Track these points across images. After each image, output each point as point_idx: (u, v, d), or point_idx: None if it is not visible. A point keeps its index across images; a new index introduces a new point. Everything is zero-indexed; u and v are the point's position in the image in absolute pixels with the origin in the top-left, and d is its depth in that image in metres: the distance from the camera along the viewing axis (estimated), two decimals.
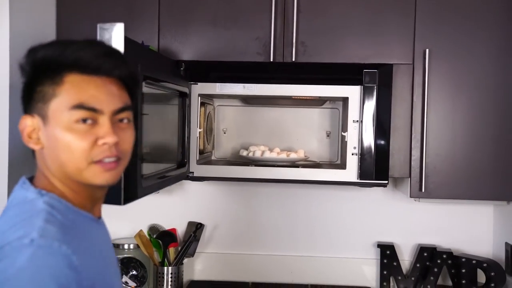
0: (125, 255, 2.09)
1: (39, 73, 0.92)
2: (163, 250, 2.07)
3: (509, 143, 1.77)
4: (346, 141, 1.81)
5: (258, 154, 1.91)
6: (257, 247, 2.22)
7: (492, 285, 1.93)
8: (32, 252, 0.81)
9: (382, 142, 1.78)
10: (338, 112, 2.04)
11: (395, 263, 2.10)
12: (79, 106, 0.90)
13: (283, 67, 1.89)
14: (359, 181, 1.80)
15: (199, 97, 1.85)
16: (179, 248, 2.11)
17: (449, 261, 2.04)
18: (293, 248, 2.21)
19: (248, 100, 2.06)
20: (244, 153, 1.96)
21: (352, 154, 1.80)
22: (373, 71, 1.77)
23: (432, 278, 2.03)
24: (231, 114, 2.11)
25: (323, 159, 2.07)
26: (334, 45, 1.81)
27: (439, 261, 2.04)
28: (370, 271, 2.17)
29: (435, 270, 2.04)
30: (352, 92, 1.80)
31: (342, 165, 1.87)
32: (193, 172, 1.85)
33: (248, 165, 1.87)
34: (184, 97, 1.79)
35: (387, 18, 1.80)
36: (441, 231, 2.15)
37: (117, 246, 2.08)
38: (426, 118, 1.77)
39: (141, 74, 1.29)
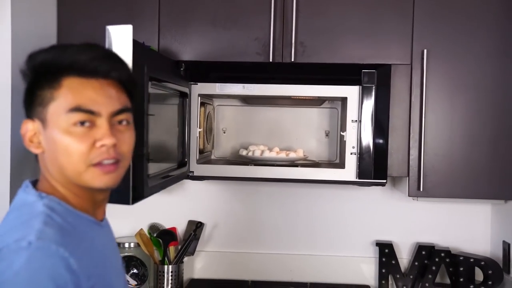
0: (126, 254, 2.10)
1: (38, 78, 0.94)
2: (164, 249, 2.08)
3: (506, 142, 1.78)
4: (345, 141, 1.82)
5: (257, 154, 1.93)
6: (256, 245, 2.23)
7: (490, 283, 1.94)
8: (29, 255, 0.82)
9: (381, 141, 1.79)
10: (337, 112, 2.05)
11: (393, 262, 2.11)
12: (77, 109, 0.91)
13: (282, 67, 1.90)
14: (358, 180, 1.82)
15: (199, 97, 1.86)
16: (179, 247, 2.12)
17: (447, 260, 2.05)
18: (293, 247, 2.22)
19: (248, 100, 2.08)
20: (244, 152, 1.98)
21: (351, 154, 1.82)
22: (371, 71, 1.78)
23: (430, 276, 2.05)
24: (230, 113, 2.12)
25: (322, 159, 2.08)
26: (333, 45, 1.82)
27: (437, 260, 2.05)
28: (368, 269, 2.18)
29: (433, 268, 2.05)
30: (351, 92, 1.81)
31: (341, 165, 1.88)
32: (193, 172, 1.86)
33: (247, 165, 1.89)
34: (185, 97, 1.81)
35: (386, 19, 1.81)
36: (439, 229, 2.16)
37: (117, 245, 2.08)
38: (424, 118, 1.78)
39: (147, 75, 1.31)
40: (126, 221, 2.17)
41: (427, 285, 2.04)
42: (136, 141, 1.03)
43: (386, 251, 2.12)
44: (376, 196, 2.19)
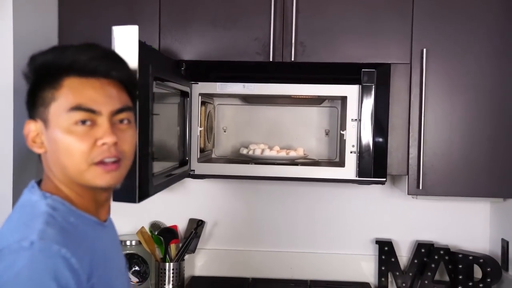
0: (128, 251, 2.12)
1: (40, 79, 0.95)
2: (165, 247, 2.10)
3: (505, 141, 1.79)
4: (345, 140, 1.83)
5: (258, 152, 1.94)
6: (257, 243, 2.24)
7: (488, 280, 1.95)
8: (31, 255, 0.82)
9: (380, 140, 1.80)
10: (337, 111, 2.06)
11: (393, 259, 2.13)
12: (77, 108, 0.92)
13: (282, 66, 1.91)
14: (357, 178, 1.83)
15: (200, 96, 1.87)
16: (180, 245, 2.13)
17: (446, 257, 2.07)
18: (293, 245, 2.24)
19: (248, 99, 2.09)
20: (244, 151, 1.99)
21: (351, 152, 1.83)
22: (371, 70, 1.79)
23: (429, 273, 2.06)
24: (231, 112, 2.13)
25: (322, 157, 2.09)
26: (333, 45, 1.82)
27: (436, 257, 2.07)
28: (368, 267, 2.20)
29: (433, 265, 2.06)
30: (351, 91, 1.82)
31: (341, 163, 1.89)
32: (194, 170, 1.87)
33: (248, 163, 1.90)
34: (185, 96, 1.82)
35: (385, 18, 1.81)
36: (438, 227, 2.17)
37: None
38: (424, 117, 1.79)
39: (152, 75, 1.32)
40: (128, 219, 2.18)
41: (426, 282, 2.05)
42: (142, 140, 1.04)
43: (385, 248, 2.13)
44: (375, 195, 2.20)
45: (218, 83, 1.86)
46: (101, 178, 0.94)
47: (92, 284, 0.89)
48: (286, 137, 2.10)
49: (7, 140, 1.56)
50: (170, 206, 2.24)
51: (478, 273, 2.00)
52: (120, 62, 1.00)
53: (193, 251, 2.17)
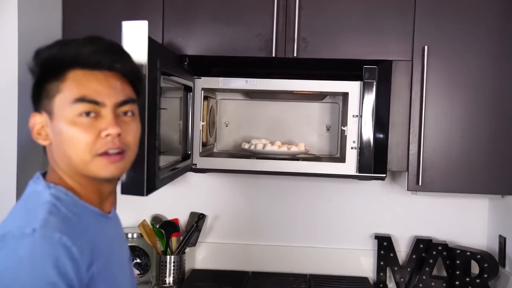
0: (129, 244, 2.13)
1: (45, 72, 0.96)
2: (166, 240, 2.12)
3: (504, 139, 1.80)
4: (346, 135, 1.85)
5: (259, 147, 1.95)
6: (257, 237, 2.26)
7: (485, 276, 1.97)
8: (33, 242, 0.84)
9: (381, 136, 1.82)
10: (338, 107, 2.08)
11: (391, 254, 2.14)
12: (81, 99, 0.93)
13: (285, 62, 1.92)
14: (358, 174, 1.84)
15: (202, 91, 1.89)
16: (181, 238, 2.15)
17: (444, 253, 2.08)
18: (293, 239, 2.25)
19: (250, 94, 2.10)
20: (246, 146, 2.00)
21: (352, 148, 1.84)
22: (372, 67, 1.81)
23: (427, 269, 2.08)
24: (233, 107, 2.14)
25: (323, 153, 2.11)
26: (335, 41, 1.83)
27: (434, 253, 2.08)
28: (367, 261, 2.22)
29: (431, 261, 2.08)
30: (352, 87, 1.83)
31: (342, 159, 1.91)
32: (196, 164, 1.89)
33: (249, 158, 1.91)
34: (189, 91, 1.83)
35: (387, 15, 1.82)
36: (437, 223, 2.19)
37: None
38: (424, 113, 1.80)
39: (159, 69, 1.33)
40: (130, 212, 2.19)
41: (424, 277, 2.07)
42: (150, 134, 1.05)
43: (384, 244, 2.15)
44: (375, 190, 2.22)
45: (220, 78, 1.88)
46: (106, 169, 0.95)
47: (92, 274, 0.90)
48: (288, 132, 2.11)
49: (12, 134, 1.58)
50: (172, 200, 2.25)
51: (475, 268, 2.02)
52: (123, 55, 1.02)
53: (194, 244, 2.19)
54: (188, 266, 2.22)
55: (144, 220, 2.16)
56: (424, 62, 1.79)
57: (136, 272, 2.13)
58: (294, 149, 1.96)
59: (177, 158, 1.72)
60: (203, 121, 1.90)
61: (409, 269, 2.13)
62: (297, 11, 1.82)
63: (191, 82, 1.84)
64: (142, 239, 2.15)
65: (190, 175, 2.22)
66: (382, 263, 2.15)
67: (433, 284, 2.07)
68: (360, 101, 1.82)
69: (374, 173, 1.83)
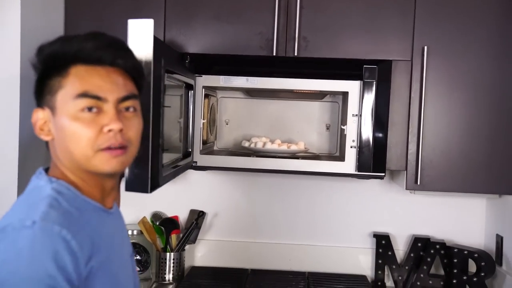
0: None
1: (47, 69, 0.97)
2: (166, 237, 2.13)
3: (503, 139, 1.82)
4: (345, 134, 1.86)
5: (259, 145, 1.96)
6: (256, 235, 2.27)
7: (482, 274, 1.99)
8: (32, 234, 0.84)
9: (380, 135, 1.83)
10: (338, 106, 2.09)
11: (390, 253, 2.16)
12: (83, 95, 0.94)
13: (285, 61, 1.93)
14: (357, 173, 1.85)
15: (203, 89, 1.90)
16: (181, 235, 2.16)
17: (442, 251, 2.10)
18: (292, 237, 2.27)
19: (250, 93, 2.11)
20: (246, 144, 2.01)
21: (351, 147, 1.86)
22: (372, 67, 1.82)
23: (425, 267, 2.09)
24: (233, 106, 2.15)
25: (323, 151, 2.12)
26: (335, 41, 1.84)
27: (432, 251, 2.10)
28: (365, 260, 2.23)
29: (428, 259, 2.10)
30: (352, 86, 1.85)
31: (341, 157, 1.92)
32: (196, 162, 1.90)
33: (249, 156, 1.92)
34: (190, 89, 1.84)
35: (387, 16, 1.83)
36: (435, 222, 2.21)
37: None
38: (423, 113, 1.81)
39: (164, 67, 1.34)
40: (130, 209, 2.18)
41: (422, 276, 2.09)
42: (154, 132, 1.06)
43: (383, 242, 2.17)
44: (374, 189, 2.24)
45: (221, 76, 1.89)
46: (108, 163, 0.95)
47: (91, 268, 0.90)
48: (288, 130, 2.12)
49: (13, 130, 1.59)
50: (172, 197, 2.26)
51: (472, 267, 2.04)
52: (125, 50, 1.02)
53: (194, 241, 2.20)
54: (187, 263, 2.23)
55: (144, 217, 2.17)
56: (424, 62, 1.80)
57: (137, 268, 2.13)
58: (294, 147, 1.97)
59: (178, 155, 1.73)
60: (203, 119, 1.91)
61: (407, 268, 2.14)
62: (298, 10, 1.83)
63: (192, 80, 1.85)
64: (142, 236, 2.16)
65: (190, 172, 2.23)
66: (380, 261, 2.17)
67: (430, 282, 2.09)
68: (360, 101, 1.84)
69: (373, 172, 1.84)
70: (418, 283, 2.08)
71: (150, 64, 1.20)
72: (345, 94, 1.91)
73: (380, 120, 1.83)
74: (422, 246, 2.14)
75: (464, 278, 2.02)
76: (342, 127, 1.91)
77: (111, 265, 0.99)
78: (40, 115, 0.98)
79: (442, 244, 2.11)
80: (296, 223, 2.27)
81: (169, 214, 2.25)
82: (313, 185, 2.25)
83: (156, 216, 2.24)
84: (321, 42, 1.84)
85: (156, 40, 1.23)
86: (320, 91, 1.94)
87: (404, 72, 1.83)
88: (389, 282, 2.17)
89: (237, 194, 2.28)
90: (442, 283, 2.09)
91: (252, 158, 1.91)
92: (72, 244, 0.86)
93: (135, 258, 2.15)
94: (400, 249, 2.22)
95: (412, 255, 2.14)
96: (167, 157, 1.51)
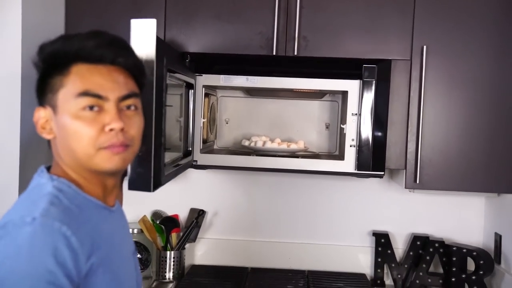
0: None
1: (49, 67, 0.97)
2: (166, 235, 2.14)
3: (501, 138, 1.83)
4: (345, 133, 1.87)
5: (259, 144, 1.97)
6: (256, 233, 2.28)
7: (481, 272, 1.99)
8: (32, 230, 0.85)
9: (380, 134, 1.84)
10: (337, 105, 2.10)
11: (389, 251, 2.17)
12: (84, 94, 0.94)
13: (285, 60, 1.94)
14: (356, 171, 1.86)
15: (203, 88, 1.90)
16: (181, 234, 2.17)
17: (441, 250, 2.11)
18: (292, 236, 2.28)
19: (250, 92, 2.12)
20: (246, 143, 2.02)
21: (350, 146, 1.86)
22: (372, 66, 1.83)
23: (424, 265, 2.10)
24: (233, 105, 2.16)
25: (322, 150, 2.13)
26: (335, 40, 1.85)
27: (431, 250, 2.11)
28: (365, 258, 2.24)
29: (427, 258, 2.11)
30: (352, 86, 1.86)
31: (341, 156, 1.93)
32: (196, 161, 1.91)
33: (249, 155, 1.93)
34: (190, 88, 1.85)
35: (387, 15, 1.84)
36: (434, 221, 2.22)
37: None
38: (422, 112, 1.82)
39: (166, 67, 1.34)
40: (130, 208, 2.15)
41: (421, 274, 2.10)
42: (156, 131, 1.06)
43: (382, 241, 2.18)
44: (373, 188, 2.25)
45: (222, 76, 1.90)
46: (109, 161, 0.96)
47: (91, 265, 0.90)
48: (287, 130, 2.13)
49: (14, 128, 1.59)
50: (172, 196, 2.27)
51: (471, 265, 2.05)
52: (126, 49, 1.02)
53: (194, 240, 2.21)
54: (187, 262, 2.24)
55: (145, 215, 2.18)
56: (423, 62, 1.81)
57: (139, 266, 2.14)
58: (293, 146, 1.98)
59: (179, 154, 1.74)
60: (204, 118, 1.92)
61: (406, 266, 2.15)
62: (298, 10, 1.83)
63: (192, 79, 1.85)
64: (142, 235, 2.17)
65: (190, 171, 2.24)
66: (379, 259, 2.18)
67: (429, 280, 2.10)
68: (359, 100, 1.85)
69: (372, 171, 1.85)
70: (417, 281, 2.10)
71: (153, 63, 1.21)
72: (344, 93, 1.91)
73: (380, 119, 1.83)
74: (421, 245, 2.15)
75: (463, 276, 2.03)
76: (342, 126, 1.92)
77: (112, 263, 0.99)
78: (41, 114, 0.99)
79: (441, 243, 2.12)
80: (295, 221, 2.28)
81: (169, 212, 2.26)
82: (312, 184, 2.26)
83: (156, 214, 2.25)
84: (321, 42, 1.85)
85: (158, 39, 1.24)
86: (320, 90, 1.95)
87: (404, 71, 1.84)
88: (388, 280, 2.18)
89: (237, 193, 2.29)
90: (441, 281, 2.10)
91: (252, 157, 1.92)
92: (72, 241, 0.87)
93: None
94: (399, 247, 2.23)
95: (411, 253, 2.16)
96: (168, 156, 1.52)
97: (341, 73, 1.88)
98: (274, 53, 1.84)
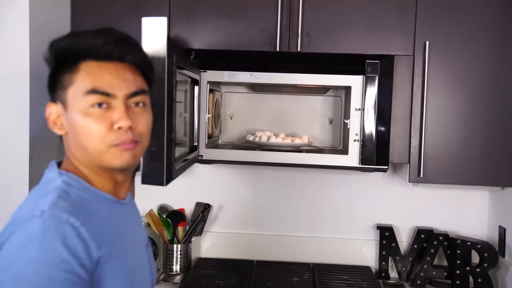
0: None
1: (59, 63, 0.99)
2: (173, 229, 2.17)
3: (503, 132, 1.83)
4: (349, 128, 1.88)
5: (264, 139, 1.99)
6: (261, 227, 2.31)
7: (485, 265, 2.00)
8: (42, 222, 0.86)
9: (383, 129, 1.85)
10: (341, 100, 2.11)
11: (393, 244, 2.19)
12: (93, 91, 0.95)
13: (289, 57, 1.95)
14: (360, 166, 1.88)
15: (208, 84, 1.92)
16: (188, 227, 2.20)
17: (445, 243, 2.12)
18: (297, 229, 2.30)
19: (254, 87, 2.13)
20: (251, 137, 2.04)
21: (354, 141, 1.88)
22: (375, 61, 1.83)
23: (428, 258, 2.12)
24: (237, 100, 2.18)
25: (326, 145, 2.14)
26: (338, 36, 1.86)
27: (435, 243, 2.12)
28: (369, 251, 2.26)
29: (432, 251, 2.12)
30: (355, 81, 1.86)
31: (344, 151, 1.94)
32: (202, 156, 1.93)
33: (254, 150, 1.95)
34: (195, 84, 1.87)
35: (389, 11, 1.84)
36: (438, 214, 2.23)
37: None
38: (425, 107, 1.83)
39: (175, 64, 1.36)
40: (136, 202, 2.22)
41: (425, 266, 2.11)
42: (168, 127, 1.07)
43: (386, 234, 2.19)
44: (377, 182, 2.26)
45: (226, 72, 1.91)
46: (119, 157, 0.97)
47: (102, 256, 0.92)
48: (291, 124, 2.14)
49: (24, 124, 1.63)
50: (178, 190, 2.29)
51: (475, 258, 2.06)
52: (134, 46, 1.03)
53: (200, 233, 2.24)
54: (194, 255, 2.27)
55: (151, 209, 2.21)
56: (426, 57, 1.81)
57: (153, 258, 2.17)
58: (298, 141, 1.99)
59: (186, 149, 1.76)
60: (208, 114, 1.94)
61: (410, 259, 2.17)
62: (300, 6, 1.84)
63: (197, 75, 1.87)
64: (149, 228, 2.20)
65: (196, 166, 2.26)
66: (384, 252, 2.20)
67: (434, 273, 2.11)
68: (363, 95, 1.86)
69: (376, 165, 1.86)
70: (422, 274, 2.11)
71: (164, 60, 1.22)
72: (347, 89, 1.92)
73: (383, 114, 1.84)
74: (425, 238, 2.16)
75: (467, 269, 2.04)
76: (346, 121, 1.93)
77: (123, 254, 1.00)
78: (53, 109, 1.00)
79: (445, 236, 2.13)
80: (300, 215, 2.30)
81: (176, 206, 2.29)
82: (317, 178, 2.28)
83: (162, 208, 2.27)
84: (323, 38, 1.86)
85: (168, 37, 1.25)
86: (323, 85, 1.95)
87: (406, 67, 1.85)
88: (393, 273, 2.20)
89: (242, 187, 2.31)
90: (445, 273, 2.11)
91: (257, 152, 1.93)
92: (81, 231, 0.88)
93: None
94: (404, 240, 2.24)
95: (415, 246, 2.17)
96: (177, 151, 1.54)
97: (344, 69, 1.89)
98: (277, 50, 1.85)
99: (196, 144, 1.89)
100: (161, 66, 1.23)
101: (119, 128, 0.96)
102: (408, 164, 1.88)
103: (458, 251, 2.07)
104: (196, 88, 1.87)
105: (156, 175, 1.26)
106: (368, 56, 1.85)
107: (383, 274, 2.19)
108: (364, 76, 1.85)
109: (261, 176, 2.30)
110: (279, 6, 1.84)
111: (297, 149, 1.98)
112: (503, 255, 2.03)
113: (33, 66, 1.63)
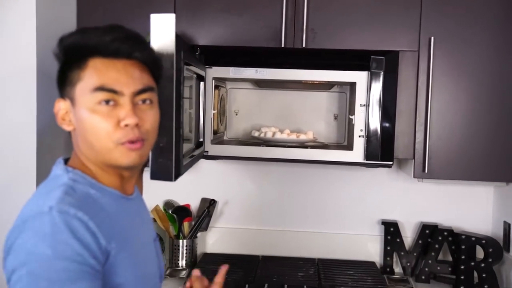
0: None
1: (68, 60, 1.00)
2: (178, 224, 2.18)
3: (508, 127, 1.83)
4: (353, 124, 1.89)
5: (269, 135, 2.00)
6: (267, 222, 2.32)
7: (490, 260, 2.00)
8: (51, 218, 0.87)
9: (388, 125, 1.85)
10: (346, 96, 2.11)
11: (398, 240, 2.19)
12: (100, 88, 0.96)
13: (294, 52, 1.95)
14: (365, 161, 1.88)
15: (213, 80, 1.93)
16: (193, 223, 2.21)
17: (450, 238, 2.12)
18: (302, 225, 2.30)
19: (259, 83, 2.13)
20: (256, 133, 2.05)
21: (359, 136, 1.88)
22: (380, 57, 1.84)
23: (433, 254, 2.12)
24: (242, 96, 2.18)
25: (331, 141, 2.15)
26: (343, 32, 1.86)
27: (440, 238, 2.12)
28: (374, 247, 2.27)
29: (436, 246, 2.12)
30: (360, 77, 1.87)
31: (349, 147, 1.95)
32: (208, 151, 1.94)
33: (259, 145, 1.96)
34: (201, 80, 1.87)
35: (394, 6, 1.85)
36: (442, 209, 2.23)
37: None
38: (430, 103, 1.83)
39: (183, 60, 1.36)
40: (143, 198, 2.25)
41: (430, 262, 2.11)
42: (176, 123, 1.07)
43: (391, 229, 2.20)
44: (382, 177, 2.26)
45: (231, 68, 1.91)
46: (127, 156, 0.98)
47: (111, 250, 0.93)
48: (296, 120, 2.15)
49: (31, 120, 1.64)
50: (183, 186, 2.29)
51: (480, 253, 2.06)
52: (142, 43, 1.04)
53: (205, 229, 2.25)
54: (199, 250, 2.28)
55: (157, 205, 2.22)
56: (431, 53, 1.82)
57: (161, 253, 2.18)
58: (303, 137, 2.00)
59: (192, 145, 1.77)
60: (214, 110, 1.95)
61: (415, 254, 2.17)
62: (305, 2, 1.84)
63: (203, 71, 1.88)
64: (155, 224, 2.21)
65: (201, 161, 2.26)
66: (388, 248, 2.20)
67: (438, 268, 2.12)
68: (368, 91, 1.86)
69: (381, 161, 1.87)
70: (426, 269, 2.11)
71: (173, 57, 1.23)
72: (352, 85, 1.93)
73: (388, 110, 1.85)
74: (430, 233, 2.16)
75: (472, 264, 2.04)
76: (350, 116, 1.93)
77: (131, 249, 1.00)
78: (61, 105, 1.01)
79: (450, 231, 2.13)
80: (305, 210, 2.31)
81: (181, 202, 2.29)
82: (321, 173, 2.28)
83: (168, 204, 2.29)
84: (328, 34, 1.86)
85: (176, 34, 1.26)
86: (328, 81, 1.96)
87: (411, 62, 1.85)
88: (397, 268, 2.21)
89: (247, 183, 2.32)
90: (450, 269, 2.12)
91: (262, 148, 1.94)
92: (90, 225, 0.89)
93: None
94: (408, 236, 2.25)
95: (420, 241, 2.17)
96: (184, 147, 1.55)
97: (349, 65, 1.89)
98: (282, 46, 1.86)
99: (201, 140, 1.90)
100: (170, 62, 1.23)
101: (126, 125, 0.96)
102: (413, 160, 1.88)
103: (463, 247, 2.07)
104: (202, 84, 1.88)
105: (165, 171, 1.27)
106: (373, 52, 1.85)
107: (388, 269, 2.19)
108: (369, 72, 1.85)
109: (266, 172, 2.31)
110: (284, 2, 1.84)
111: (302, 145, 1.99)
112: (508, 251, 2.03)
113: (40, 63, 1.64)
